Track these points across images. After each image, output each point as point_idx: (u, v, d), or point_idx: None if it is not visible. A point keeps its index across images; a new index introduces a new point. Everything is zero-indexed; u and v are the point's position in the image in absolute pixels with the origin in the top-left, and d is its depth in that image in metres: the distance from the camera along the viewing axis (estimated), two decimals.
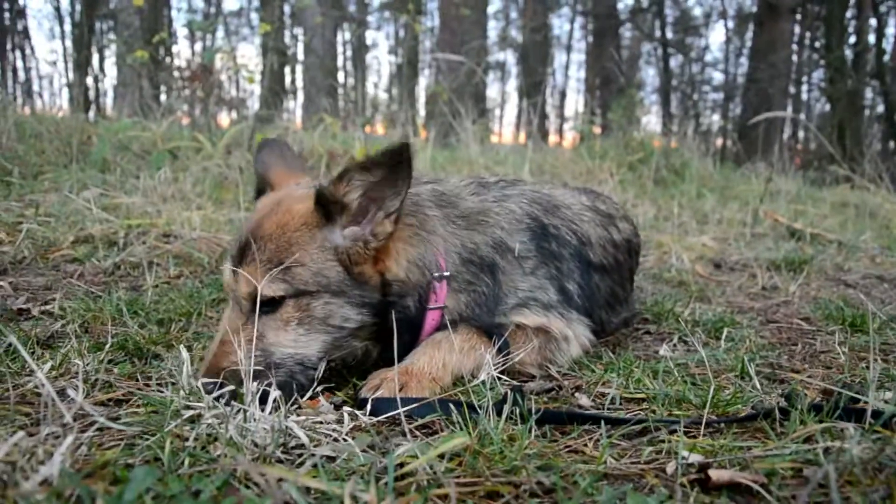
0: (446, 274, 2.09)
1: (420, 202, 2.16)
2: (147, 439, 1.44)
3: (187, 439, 1.43)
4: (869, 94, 21.76)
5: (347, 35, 28.49)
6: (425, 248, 2.06)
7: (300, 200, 1.95)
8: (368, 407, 1.69)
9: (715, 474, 1.33)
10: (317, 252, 1.87)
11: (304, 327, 1.87)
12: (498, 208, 2.34)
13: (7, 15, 29.55)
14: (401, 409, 1.61)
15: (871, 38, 19.40)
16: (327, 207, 1.88)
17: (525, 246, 2.30)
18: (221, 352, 1.83)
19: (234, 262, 1.91)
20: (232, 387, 1.67)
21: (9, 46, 29.98)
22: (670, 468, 1.41)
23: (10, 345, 2.00)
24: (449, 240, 2.14)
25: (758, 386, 2.00)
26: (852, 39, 19.38)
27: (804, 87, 28.41)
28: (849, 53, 18.62)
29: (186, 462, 1.33)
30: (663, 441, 1.58)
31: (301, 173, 2.35)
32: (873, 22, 19.30)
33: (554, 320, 2.26)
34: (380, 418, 1.67)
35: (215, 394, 1.59)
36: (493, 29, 36.85)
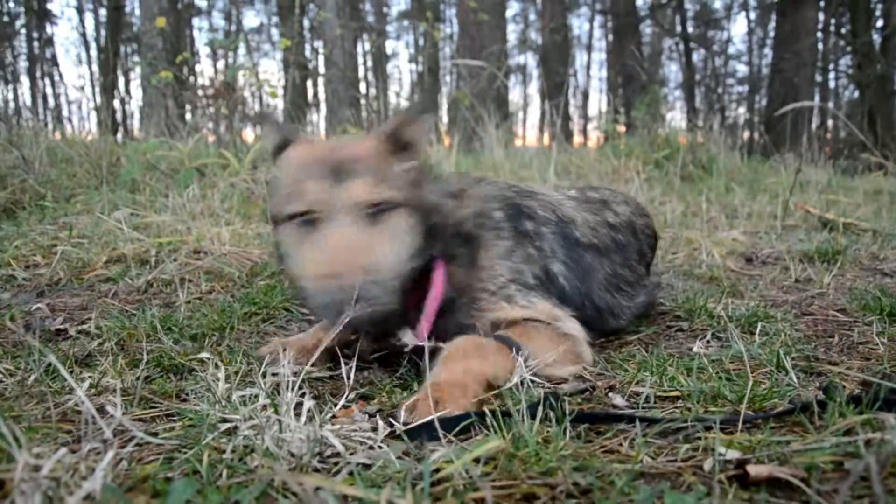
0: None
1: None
2: (185, 452, 1.46)
3: (224, 451, 1.44)
4: None
5: (367, 45, 28.67)
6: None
7: (363, 139, 2.13)
8: (403, 420, 1.64)
9: (753, 470, 1.31)
10: (400, 173, 2.02)
11: (405, 237, 1.96)
12: (472, 190, 2.38)
13: (36, 44, 30.31)
14: (442, 434, 1.55)
15: None
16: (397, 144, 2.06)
17: (500, 219, 2.31)
18: (338, 257, 1.83)
19: (332, 181, 1.92)
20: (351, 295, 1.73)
21: (38, 74, 30.71)
22: (708, 465, 1.40)
23: (49, 364, 2.05)
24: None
25: (794, 379, 1.97)
26: (879, 23, 18.97)
27: (831, 75, 27.88)
28: (876, 38, 18.24)
29: (224, 474, 1.35)
30: (700, 438, 1.56)
31: None
32: None
33: (545, 307, 2.20)
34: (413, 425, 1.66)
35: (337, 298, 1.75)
36: (512, 32, 36.95)
